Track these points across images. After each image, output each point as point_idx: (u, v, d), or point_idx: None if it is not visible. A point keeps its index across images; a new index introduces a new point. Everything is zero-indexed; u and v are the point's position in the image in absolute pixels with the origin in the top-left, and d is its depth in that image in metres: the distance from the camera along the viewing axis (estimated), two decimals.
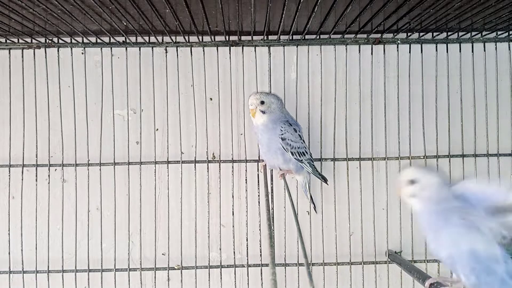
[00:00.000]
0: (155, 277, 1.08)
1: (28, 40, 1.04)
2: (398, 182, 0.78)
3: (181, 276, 1.08)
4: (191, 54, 1.08)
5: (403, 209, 1.10)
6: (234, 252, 1.09)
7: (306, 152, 1.00)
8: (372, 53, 1.09)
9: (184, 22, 0.94)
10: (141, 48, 1.07)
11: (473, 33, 1.07)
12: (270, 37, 1.07)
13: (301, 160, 0.99)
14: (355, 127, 1.10)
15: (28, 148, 1.06)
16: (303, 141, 1.00)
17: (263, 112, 0.98)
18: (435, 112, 1.09)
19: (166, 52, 1.08)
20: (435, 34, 1.07)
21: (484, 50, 1.09)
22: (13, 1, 0.79)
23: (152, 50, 1.08)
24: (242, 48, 1.09)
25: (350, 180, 1.09)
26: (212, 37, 1.05)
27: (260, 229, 1.09)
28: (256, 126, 1.00)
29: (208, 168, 1.08)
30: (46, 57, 1.06)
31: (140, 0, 0.81)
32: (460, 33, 1.07)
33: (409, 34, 1.06)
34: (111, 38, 1.04)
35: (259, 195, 1.09)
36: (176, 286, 1.09)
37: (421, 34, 1.07)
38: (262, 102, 0.98)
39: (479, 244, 0.67)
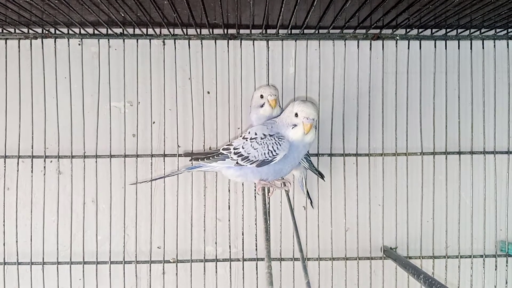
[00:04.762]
0: (150, 270, 1.08)
1: (25, 30, 1.03)
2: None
3: (176, 269, 1.08)
4: (189, 47, 1.07)
5: (399, 206, 1.10)
6: (229, 246, 1.09)
7: None
8: (370, 49, 1.09)
9: (182, 14, 0.94)
10: (138, 40, 1.07)
11: (472, 30, 1.06)
12: (269, 31, 1.07)
13: None
14: (353, 122, 1.09)
15: (23, 139, 1.06)
16: None
17: (279, 105, 1.00)
18: (433, 108, 1.09)
19: (164, 45, 1.08)
20: (434, 30, 1.07)
21: (483, 48, 1.09)
22: None
23: (150, 42, 1.07)
24: (241, 42, 1.08)
25: (346, 176, 1.09)
26: (210, 30, 1.05)
27: (256, 223, 1.09)
28: (260, 117, 0.98)
29: None
30: (42, 48, 1.05)
31: None
32: (459, 30, 1.07)
33: (408, 30, 1.06)
34: (109, 30, 1.03)
35: (255, 190, 1.09)
36: (171, 279, 1.09)
37: (420, 30, 1.06)
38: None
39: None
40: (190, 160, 0.95)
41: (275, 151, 0.86)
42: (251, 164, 0.88)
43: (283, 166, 0.89)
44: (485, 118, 1.10)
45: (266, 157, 0.87)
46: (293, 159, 0.88)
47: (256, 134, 0.89)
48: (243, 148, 0.89)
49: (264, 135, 0.88)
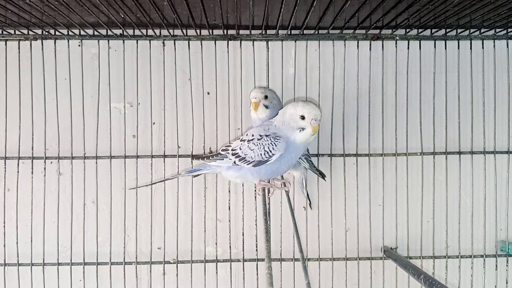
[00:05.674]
0: (150, 271, 1.08)
1: (25, 31, 1.03)
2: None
3: (177, 270, 1.08)
4: (189, 47, 1.07)
5: (399, 206, 1.10)
6: (230, 247, 1.09)
7: None
8: (370, 49, 1.09)
9: (182, 15, 0.94)
10: (138, 41, 1.07)
11: (472, 30, 1.06)
12: (269, 32, 1.07)
13: None
14: (353, 122, 1.09)
15: (24, 141, 1.06)
16: None
17: (267, 107, 0.97)
18: (433, 108, 1.09)
19: (164, 45, 1.08)
20: (433, 30, 1.07)
21: (483, 48, 1.09)
22: None
23: (150, 43, 1.07)
24: (240, 42, 1.08)
25: (346, 176, 1.09)
26: (210, 30, 1.05)
27: (256, 224, 1.09)
28: (255, 120, 0.99)
29: None
30: (42, 49, 1.05)
31: None
32: (459, 30, 1.07)
33: (407, 30, 1.06)
34: (108, 31, 1.03)
35: (255, 190, 1.09)
36: (171, 280, 1.09)
37: (420, 30, 1.06)
38: (266, 97, 0.97)
39: None
40: (192, 159, 0.96)
41: (271, 151, 0.86)
42: (248, 164, 0.89)
43: (279, 166, 0.89)
44: (485, 118, 1.10)
45: (262, 157, 0.87)
46: (290, 158, 0.89)
47: (253, 136, 0.90)
48: (240, 149, 0.90)
49: (261, 135, 0.88)
